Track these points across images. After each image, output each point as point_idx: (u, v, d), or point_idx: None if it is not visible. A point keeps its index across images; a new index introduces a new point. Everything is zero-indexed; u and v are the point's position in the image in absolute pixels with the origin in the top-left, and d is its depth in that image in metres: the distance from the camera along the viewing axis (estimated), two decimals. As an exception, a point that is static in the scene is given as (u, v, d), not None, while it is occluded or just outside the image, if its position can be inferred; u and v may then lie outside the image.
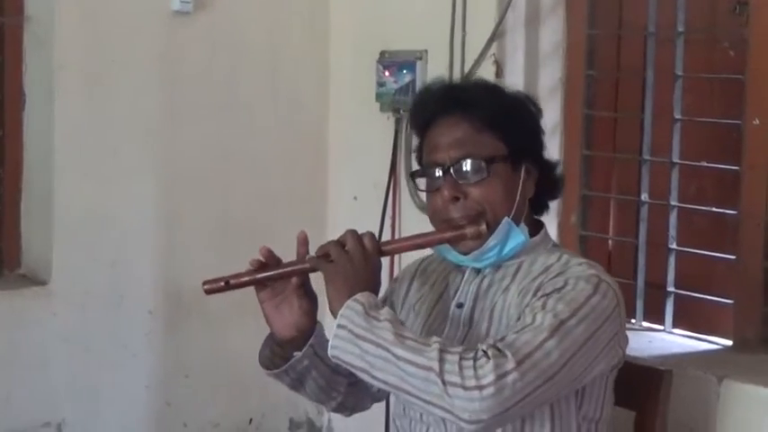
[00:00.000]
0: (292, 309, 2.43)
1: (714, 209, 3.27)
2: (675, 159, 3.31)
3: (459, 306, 2.45)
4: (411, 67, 3.73)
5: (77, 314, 3.59)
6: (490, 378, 2.11)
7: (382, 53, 3.83)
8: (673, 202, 3.33)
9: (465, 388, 2.11)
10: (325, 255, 2.34)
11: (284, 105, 3.99)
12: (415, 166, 2.54)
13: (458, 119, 2.39)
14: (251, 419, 3.99)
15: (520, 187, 2.40)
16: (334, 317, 2.24)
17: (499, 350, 2.14)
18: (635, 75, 3.49)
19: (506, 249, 2.40)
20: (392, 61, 3.79)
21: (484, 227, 2.35)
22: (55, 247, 3.56)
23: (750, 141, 3.11)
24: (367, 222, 3.76)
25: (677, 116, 3.30)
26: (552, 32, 3.59)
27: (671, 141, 3.31)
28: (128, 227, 3.67)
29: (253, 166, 3.92)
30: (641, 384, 2.60)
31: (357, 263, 2.30)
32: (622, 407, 2.57)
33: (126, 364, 3.69)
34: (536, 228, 2.48)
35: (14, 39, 3.59)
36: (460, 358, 2.13)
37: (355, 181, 4.00)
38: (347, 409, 2.62)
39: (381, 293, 2.46)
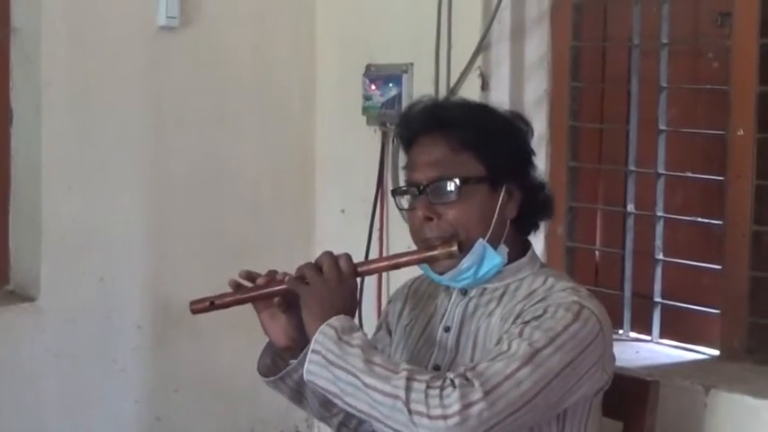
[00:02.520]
0: (284, 318, 2.45)
1: (700, 219, 3.28)
2: (661, 170, 3.32)
3: (447, 330, 2.46)
4: (397, 80, 3.73)
5: (66, 329, 3.58)
6: (455, 408, 2.12)
7: (368, 67, 3.83)
8: (659, 213, 3.33)
9: (430, 417, 2.13)
10: (301, 277, 2.36)
11: (271, 119, 3.99)
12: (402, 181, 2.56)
13: (437, 138, 2.39)
14: (240, 433, 3.99)
15: (498, 209, 2.39)
16: (309, 341, 2.27)
17: (467, 379, 2.15)
18: (620, 86, 3.49)
19: (482, 271, 2.40)
20: (378, 75, 3.80)
21: (455, 248, 2.36)
22: (43, 262, 3.55)
23: (734, 152, 3.12)
24: (354, 235, 3.78)
25: (662, 127, 3.32)
26: (537, 45, 3.60)
27: (656, 152, 3.32)
28: (116, 242, 3.67)
29: (240, 180, 3.93)
30: (628, 395, 2.60)
31: (332, 286, 2.33)
32: (610, 418, 2.58)
33: (115, 379, 3.69)
34: (523, 248, 2.48)
35: (1, 53, 3.59)
36: (427, 386, 2.15)
37: (342, 194, 4.01)
38: (351, 430, 2.61)
39: (376, 317, 2.48)
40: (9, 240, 3.65)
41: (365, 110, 3.84)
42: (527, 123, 2.51)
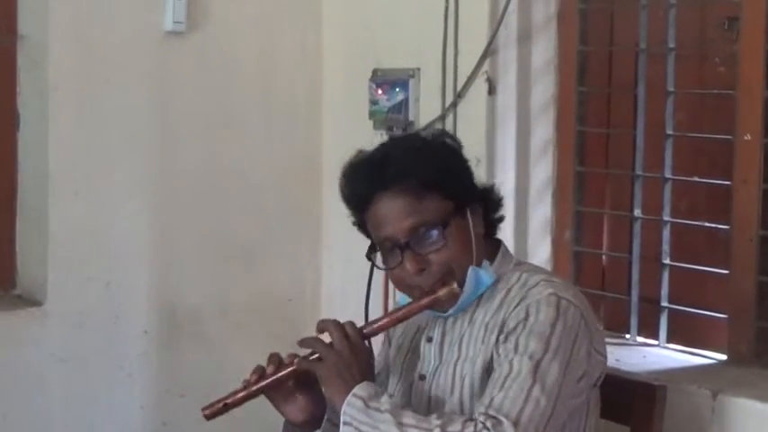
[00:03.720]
0: (298, 397, 2.47)
1: (706, 224, 3.28)
2: (668, 175, 3.32)
3: (429, 340, 2.49)
4: (404, 85, 3.73)
5: (73, 334, 3.58)
6: None
7: (375, 71, 3.83)
8: (665, 218, 3.33)
9: None
10: (311, 354, 2.37)
11: (278, 124, 3.99)
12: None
13: (394, 193, 2.37)
14: (247, 439, 3.98)
15: (472, 231, 2.40)
16: (338, 413, 2.29)
17: (494, 418, 2.19)
18: (627, 91, 3.50)
19: (479, 292, 2.43)
20: (385, 79, 3.80)
21: (455, 286, 2.38)
22: (50, 267, 3.55)
23: (741, 156, 3.12)
24: (360, 239, 3.76)
25: (669, 132, 3.32)
26: (544, 49, 3.60)
27: (663, 157, 3.32)
28: (122, 246, 3.67)
29: (247, 184, 3.93)
30: (636, 399, 2.61)
31: (346, 356, 2.34)
32: (616, 422, 2.59)
33: (121, 384, 3.69)
34: (494, 250, 2.50)
35: (8, 58, 3.59)
36: None
37: (349, 199, 4.00)
38: None
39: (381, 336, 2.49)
40: (16, 245, 3.65)
41: (372, 114, 3.84)
42: (453, 137, 2.53)
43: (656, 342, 3.37)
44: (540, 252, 3.57)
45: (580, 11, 3.53)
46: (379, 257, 2.47)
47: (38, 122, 3.56)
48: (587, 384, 2.36)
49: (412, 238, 2.37)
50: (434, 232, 2.36)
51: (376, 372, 2.57)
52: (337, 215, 4.02)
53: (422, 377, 2.47)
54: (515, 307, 2.35)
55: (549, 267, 3.49)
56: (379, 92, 3.80)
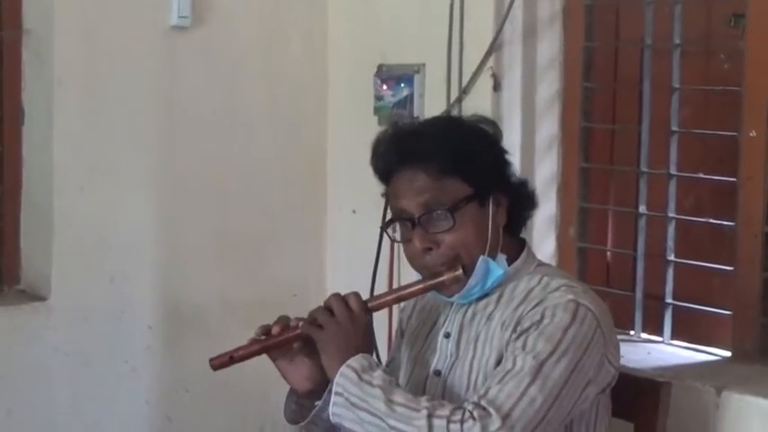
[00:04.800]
0: (304, 363, 2.47)
1: (711, 220, 3.27)
2: (673, 171, 3.32)
3: (447, 336, 2.48)
4: (409, 80, 3.73)
5: (77, 329, 3.59)
6: None
7: (380, 67, 3.83)
8: (670, 214, 3.33)
9: None
10: (313, 321, 2.38)
11: (283, 119, 3.99)
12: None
13: (415, 169, 2.39)
14: (251, 433, 3.99)
15: (490, 221, 2.40)
16: (331, 382, 2.31)
17: (484, 408, 2.18)
18: (632, 87, 3.49)
19: (488, 284, 2.42)
20: (390, 75, 3.79)
21: (461, 271, 2.38)
22: (54, 262, 3.56)
23: (747, 153, 3.11)
24: (365, 235, 3.77)
25: (674, 128, 3.31)
26: (549, 45, 3.60)
27: (668, 153, 3.32)
28: (127, 242, 3.67)
29: (252, 180, 3.93)
30: (640, 396, 2.61)
31: (346, 326, 2.35)
32: (621, 419, 2.58)
33: (126, 379, 3.69)
34: (518, 248, 2.49)
35: (13, 53, 3.60)
36: (448, 422, 2.18)
37: (354, 194, 4.00)
38: None
39: (394, 326, 2.48)
40: (20, 240, 3.65)
41: (377, 110, 3.83)
42: (494, 125, 2.51)
43: (660, 339, 3.37)
44: (545, 248, 3.56)
45: (585, 7, 3.52)
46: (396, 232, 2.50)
47: (43, 117, 3.57)
48: (594, 392, 2.33)
49: (423, 216, 2.38)
50: (446, 214, 2.36)
51: (389, 359, 2.61)
52: (342, 210, 4.05)
53: (437, 373, 2.47)
54: (533, 308, 2.33)
55: (553, 263, 3.48)
56: (384, 87, 3.79)
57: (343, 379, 2.28)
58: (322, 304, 2.42)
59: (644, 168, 3.40)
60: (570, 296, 2.33)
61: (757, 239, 3.09)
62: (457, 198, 2.37)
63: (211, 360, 2.50)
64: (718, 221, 3.24)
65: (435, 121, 2.60)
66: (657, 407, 2.59)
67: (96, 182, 3.61)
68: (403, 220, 2.43)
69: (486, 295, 2.45)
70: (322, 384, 2.42)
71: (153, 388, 3.76)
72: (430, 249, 2.39)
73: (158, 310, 3.75)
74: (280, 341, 2.45)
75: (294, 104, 4.02)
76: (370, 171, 3.89)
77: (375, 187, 3.87)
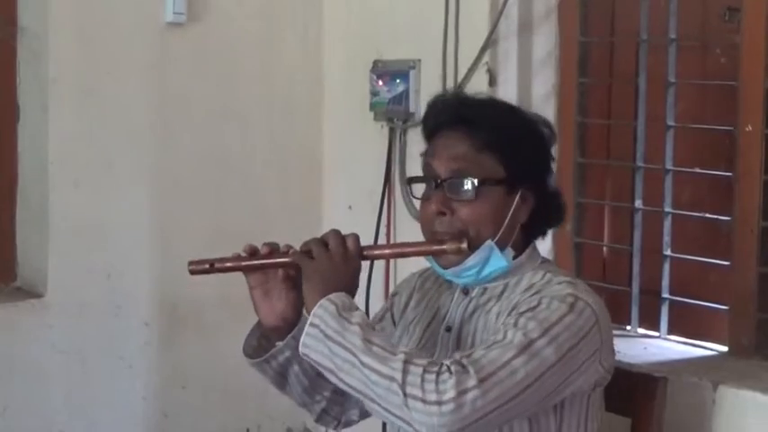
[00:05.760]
0: (280, 298, 2.44)
1: (708, 215, 3.27)
2: (669, 166, 3.32)
3: (448, 330, 2.47)
4: (404, 76, 3.73)
5: (73, 326, 3.59)
6: (450, 394, 2.12)
7: (375, 63, 3.83)
8: (667, 209, 3.33)
9: (425, 402, 2.12)
10: (307, 251, 2.35)
11: (278, 115, 3.99)
12: (414, 172, 2.54)
13: (461, 135, 2.39)
14: (248, 430, 3.98)
15: (511, 212, 2.39)
16: (308, 314, 2.26)
17: (463, 366, 2.15)
18: (628, 82, 3.49)
19: (485, 272, 2.40)
20: (385, 71, 3.79)
21: (465, 245, 2.35)
22: (50, 259, 3.56)
23: (743, 148, 3.11)
24: (362, 231, 3.75)
25: (670, 123, 3.31)
26: (545, 40, 3.60)
27: (664, 148, 3.32)
28: (123, 238, 3.68)
29: (247, 176, 3.93)
30: (636, 391, 2.61)
31: (337, 262, 2.32)
32: (617, 414, 2.58)
33: (122, 376, 3.69)
34: (524, 244, 2.47)
35: (8, 51, 3.60)
36: (424, 371, 2.14)
37: (350, 190, 4.00)
38: (333, 418, 2.62)
39: (379, 308, 2.48)
40: (16, 236, 3.65)
41: (372, 106, 3.84)
42: (551, 129, 2.51)
43: (656, 334, 3.37)
44: (541, 243, 3.55)
45: (581, 1, 3.52)
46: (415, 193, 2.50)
47: (38, 114, 3.56)
48: (573, 389, 2.30)
49: (449, 180, 2.37)
50: (470, 183, 2.36)
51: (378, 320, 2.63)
52: (338, 206, 4.05)
53: None
54: (531, 296, 2.33)
55: (549, 258, 3.48)
56: (380, 83, 3.79)
57: (323, 310, 2.23)
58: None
59: (640, 163, 3.40)
60: (570, 290, 2.32)
61: (754, 234, 3.09)
62: (488, 176, 2.37)
63: (190, 263, 2.43)
64: (715, 216, 3.24)
65: (500, 102, 2.59)
66: (654, 402, 2.59)
67: (92, 179, 3.61)
68: (429, 179, 2.42)
69: (488, 289, 2.44)
70: (291, 324, 2.42)
71: (149, 384, 3.76)
72: (443, 214, 2.37)
73: (155, 306, 3.75)
74: (265, 264, 2.41)
75: (290, 100, 4.02)
76: (366, 167, 3.93)
77: (370, 183, 3.90)
